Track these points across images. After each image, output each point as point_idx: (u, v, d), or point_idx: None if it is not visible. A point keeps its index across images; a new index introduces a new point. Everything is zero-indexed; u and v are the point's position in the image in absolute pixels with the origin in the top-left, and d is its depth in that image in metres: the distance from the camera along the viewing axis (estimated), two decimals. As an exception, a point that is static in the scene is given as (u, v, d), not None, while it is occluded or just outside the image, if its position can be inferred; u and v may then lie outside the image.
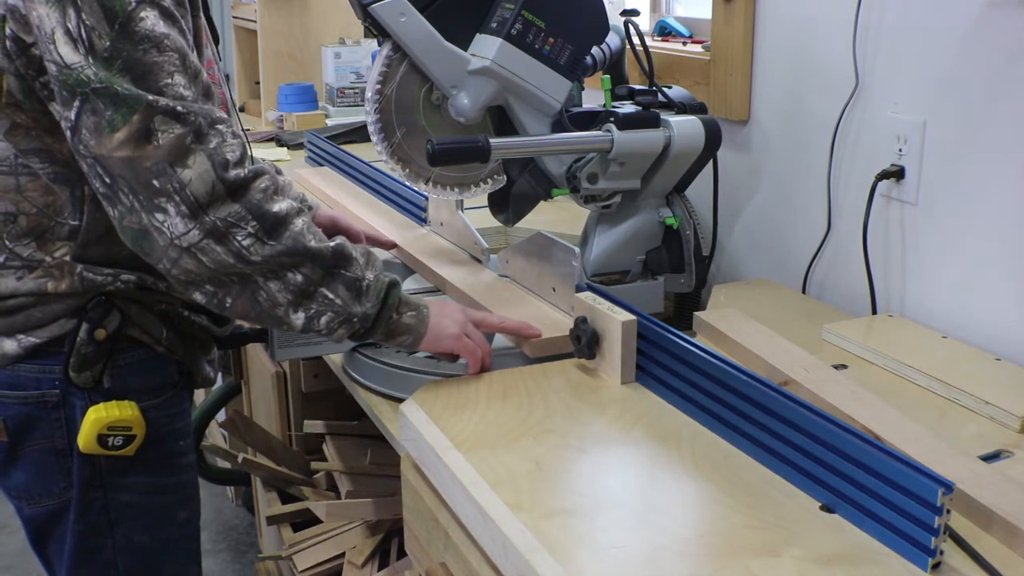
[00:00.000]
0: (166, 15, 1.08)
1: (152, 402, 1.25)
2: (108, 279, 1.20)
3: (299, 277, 1.12)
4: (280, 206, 1.10)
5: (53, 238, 1.18)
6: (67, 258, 1.19)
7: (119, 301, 1.21)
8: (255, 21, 3.15)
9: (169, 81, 1.06)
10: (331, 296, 1.15)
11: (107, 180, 1.07)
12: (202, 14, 1.23)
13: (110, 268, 1.20)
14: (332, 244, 1.14)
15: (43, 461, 1.24)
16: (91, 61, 1.04)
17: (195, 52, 1.14)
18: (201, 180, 1.06)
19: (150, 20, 1.06)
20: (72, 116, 1.06)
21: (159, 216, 1.06)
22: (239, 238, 1.08)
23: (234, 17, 3.51)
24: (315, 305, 1.14)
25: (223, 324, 1.35)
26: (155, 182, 1.05)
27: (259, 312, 1.14)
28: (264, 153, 2.68)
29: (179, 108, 1.05)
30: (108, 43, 1.04)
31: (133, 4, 1.05)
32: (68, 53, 1.04)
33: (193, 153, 1.06)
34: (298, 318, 1.14)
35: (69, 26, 1.05)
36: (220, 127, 1.08)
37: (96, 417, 1.20)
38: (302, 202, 1.41)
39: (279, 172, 1.40)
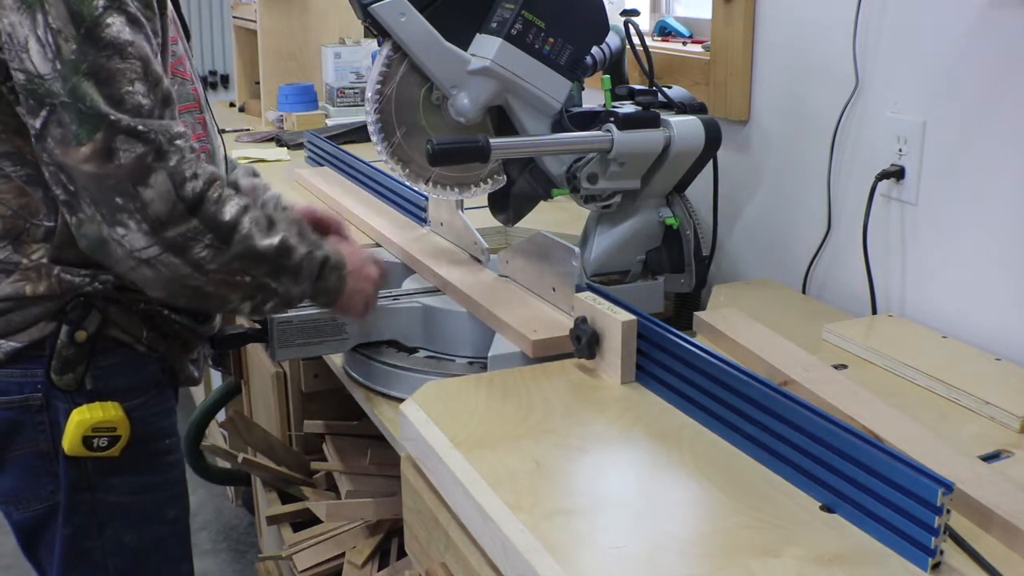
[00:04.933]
0: (132, 21, 1.09)
1: (135, 402, 1.25)
2: (86, 280, 1.19)
3: (248, 278, 1.16)
4: (230, 211, 1.13)
5: (29, 240, 1.18)
6: (44, 260, 1.18)
7: (98, 302, 1.21)
8: (255, 21, 3.15)
9: (130, 89, 1.07)
10: (275, 286, 1.19)
11: (70, 188, 1.09)
12: (171, 11, 1.23)
13: (87, 269, 1.19)
14: (276, 241, 1.17)
15: (29, 465, 1.24)
16: (58, 68, 1.05)
17: (160, 57, 1.15)
18: (162, 200, 1.08)
19: (116, 26, 1.07)
20: (38, 125, 1.07)
21: (120, 230, 1.08)
22: (196, 250, 1.11)
23: (234, 17, 3.51)
24: (262, 295, 1.19)
25: (205, 323, 1.35)
26: (118, 199, 1.07)
27: (210, 306, 1.23)
28: (264, 153, 2.68)
29: (140, 127, 1.07)
30: (74, 46, 1.05)
31: (100, 9, 1.06)
32: (40, 63, 1.06)
33: (154, 172, 1.07)
34: (245, 307, 1.20)
35: (39, 33, 1.05)
36: (179, 142, 1.10)
37: (80, 419, 1.20)
38: (243, 188, 1.42)
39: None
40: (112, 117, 1.06)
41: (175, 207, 1.08)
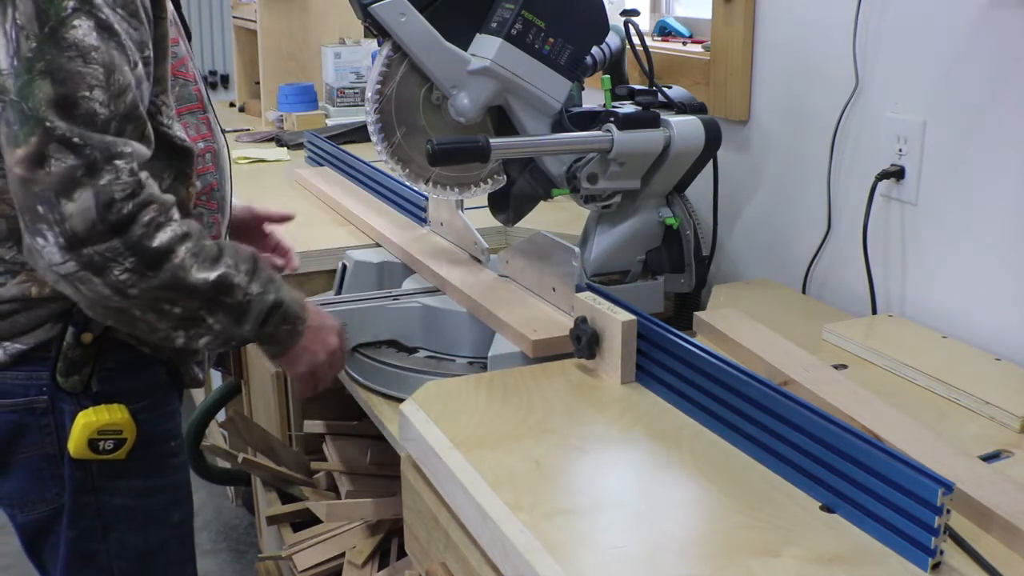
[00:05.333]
0: (102, 27, 1.06)
1: (141, 404, 1.25)
2: None
3: (177, 309, 1.12)
4: (162, 239, 1.08)
5: None
6: None
7: None
8: (255, 21, 3.15)
9: (87, 94, 1.04)
10: (211, 322, 1.15)
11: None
12: (171, 12, 1.22)
13: None
14: (213, 276, 1.12)
15: (34, 468, 1.23)
16: (14, 65, 1.03)
17: (141, 66, 1.11)
18: (82, 217, 1.04)
19: (82, 30, 1.04)
20: None
21: (40, 240, 1.06)
22: (116, 272, 1.07)
23: (234, 17, 3.51)
24: (195, 329, 1.15)
25: None
26: (39, 208, 1.04)
27: (138, 331, 1.15)
28: (264, 153, 2.68)
29: (76, 139, 1.03)
30: (34, 44, 1.03)
31: (68, 11, 1.04)
32: (1, 58, 1.04)
33: (81, 187, 1.04)
34: (178, 337, 1.15)
35: (6, 27, 1.04)
36: (118, 162, 1.06)
37: (86, 422, 1.19)
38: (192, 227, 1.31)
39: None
40: (48, 124, 1.03)
41: (94, 226, 1.04)
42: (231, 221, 1.42)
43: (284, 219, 1.57)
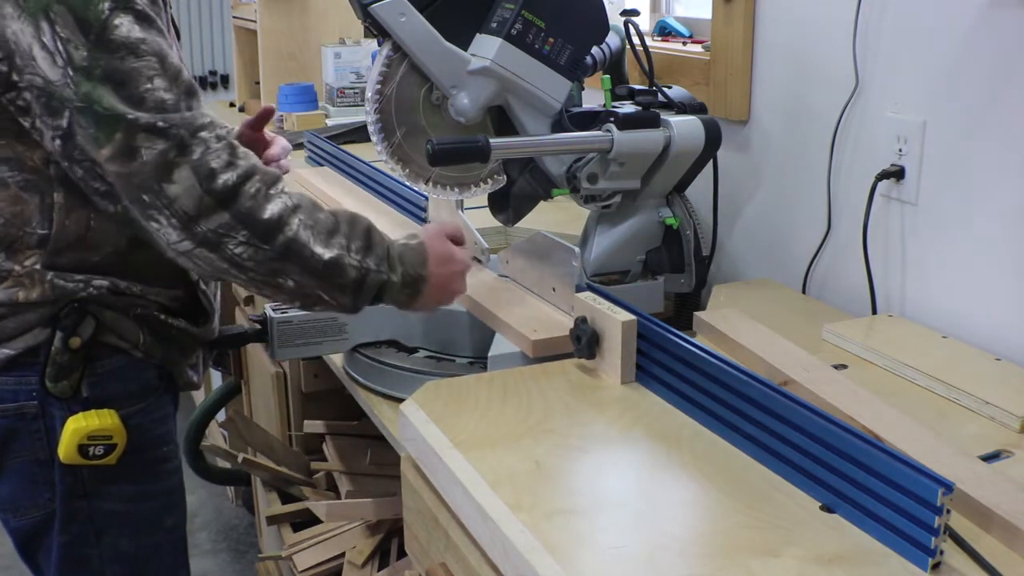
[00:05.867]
0: (141, 18, 1.07)
1: (132, 409, 1.24)
2: (80, 285, 1.18)
3: (290, 283, 1.13)
4: (272, 209, 1.10)
5: (22, 247, 1.17)
6: (37, 266, 1.17)
7: (93, 307, 1.20)
8: (255, 21, 3.15)
9: (149, 86, 1.06)
10: (326, 298, 1.17)
11: (108, 180, 1.09)
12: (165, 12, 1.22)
13: (81, 274, 1.18)
14: (328, 256, 1.13)
15: (26, 473, 1.23)
16: (71, 75, 1.04)
17: (175, 49, 1.14)
18: (188, 195, 1.06)
19: (125, 26, 1.06)
20: (64, 124, 1.07)
21: (154, 224, 1.08)
22: (231, 247, 1.09)
23: (234, 17, 3.51)
24: (310, 302, 1.17)
25: (204, 326, 1.33)
26: (145, 197, 1.07)
27: (264, 295, 1.17)
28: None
29: (159, 123, 1.06)
30: (85, 53, 1.04)
31: (107, 12, 1.05)
32: (48, 69, 1.05)
33: (178, 167, 1.06)
34: (296, 305, 1.19)
35: (44, 40, 1.05)
36: (203, 134, 1.08)
37: (76, 427, 1.19)
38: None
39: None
40: (130, 116, 1.05)
41: (202, 200, 1.06)
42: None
43: (268, 115, 1.52)
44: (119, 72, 1.05)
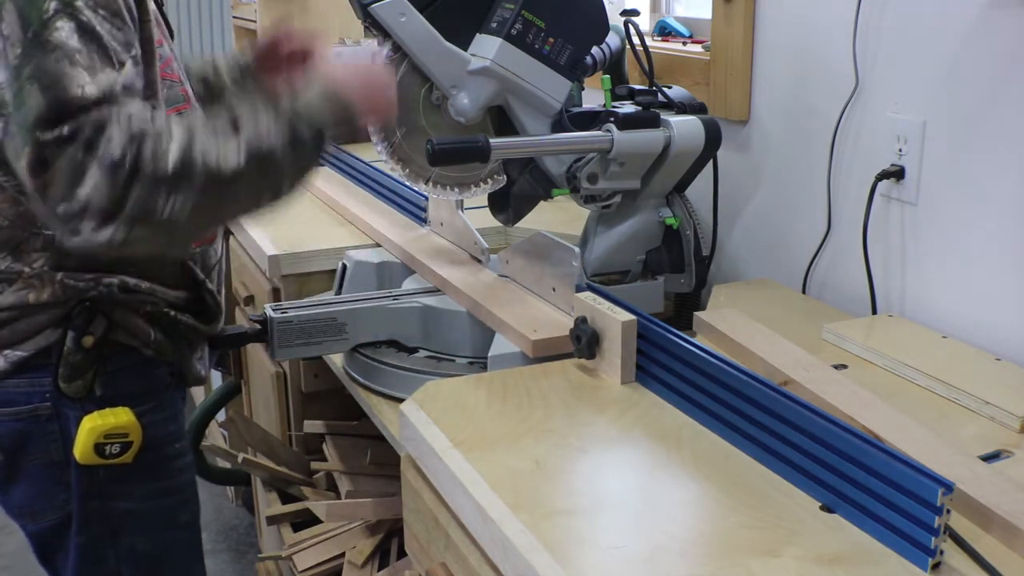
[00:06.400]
0: (84, 30, 1.03)
1: (146, 406, 1.24)
2: (90, 284, 1.18)
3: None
4: (172, 158, 1.00)
5: (29, 249, 1.16)
6: (45, 268, 1.17)
7: (103, 306, 1.19)
8: (255, 21, 3.15)
9: (79, 94, 0.99)
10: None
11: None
12: (153, 11, 1.18)
13: (91, 273, 1.18)
14: (241, 158, 1.03)
15: (42, 476, 1.23)
16: (7, 78, 1.01)
17: (147, 66, 1.09)
18: (98, 192, 0.98)
19: (64, 32, 1.02)
20: (1, 131, 1.05)
21: (78, 239, 1.01)
22: (159, 211, 1.00)
23: (234, 17, 3.51)
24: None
25: (210, 322, 1.33)
26: (60, 209, 0.99)
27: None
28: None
29: (64, 132, 0.98)
30: (19, 50, 1.01)
31: (50, 12, 1.01)
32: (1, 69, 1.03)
33: (87, 169, 0.98)
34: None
35: None
36: (109, 128, 0.99)
37: (91, 426, 1.18)
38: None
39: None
40: (38, 134, 0.98)
41: (112, 192, 0.98)
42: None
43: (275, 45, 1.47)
44: (48, 74, 1.00)
